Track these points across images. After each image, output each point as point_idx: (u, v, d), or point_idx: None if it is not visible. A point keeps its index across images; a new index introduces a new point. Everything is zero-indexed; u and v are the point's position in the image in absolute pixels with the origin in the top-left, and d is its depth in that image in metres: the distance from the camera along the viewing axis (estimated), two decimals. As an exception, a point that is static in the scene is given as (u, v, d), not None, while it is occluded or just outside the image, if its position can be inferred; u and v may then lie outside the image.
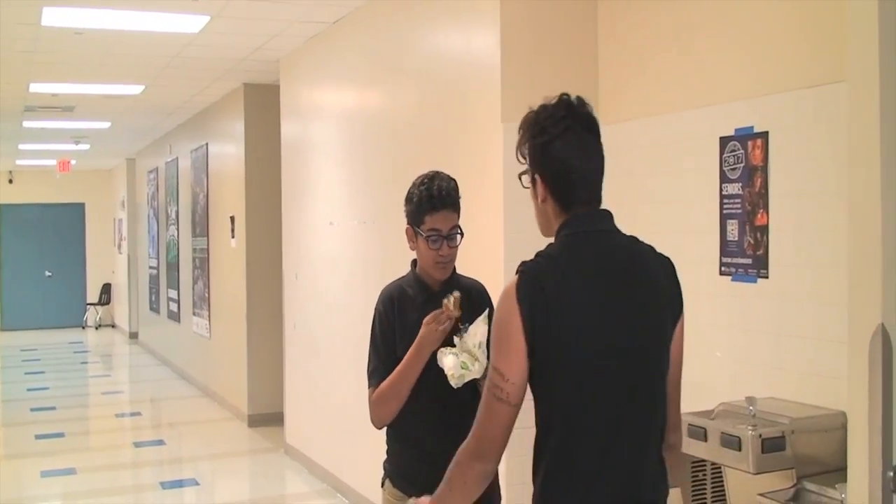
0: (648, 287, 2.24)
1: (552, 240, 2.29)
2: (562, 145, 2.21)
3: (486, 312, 3.02)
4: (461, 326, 3.06)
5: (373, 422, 3.20)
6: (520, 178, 2.33)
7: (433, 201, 3.06)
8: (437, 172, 3.17)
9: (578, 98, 2.26)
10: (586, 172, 2.25)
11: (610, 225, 2.28)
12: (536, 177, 2.27)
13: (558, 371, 2.14)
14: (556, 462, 2.18)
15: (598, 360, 2.15)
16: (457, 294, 3.03)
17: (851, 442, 2.55)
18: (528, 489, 2.29)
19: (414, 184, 3.15)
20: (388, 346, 3.15)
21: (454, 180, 3.16)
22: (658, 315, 2.24)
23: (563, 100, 2.25)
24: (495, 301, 3.33)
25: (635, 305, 2.20)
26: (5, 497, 7.39)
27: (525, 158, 2.30)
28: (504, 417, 2.17)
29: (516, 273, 2.20)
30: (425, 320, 3.02)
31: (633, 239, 2.30)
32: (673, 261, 2.33)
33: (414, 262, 3.23)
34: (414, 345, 3.04)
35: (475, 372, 2.96)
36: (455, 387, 2.97)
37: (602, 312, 2.17)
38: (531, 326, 2.12)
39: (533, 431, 2.23)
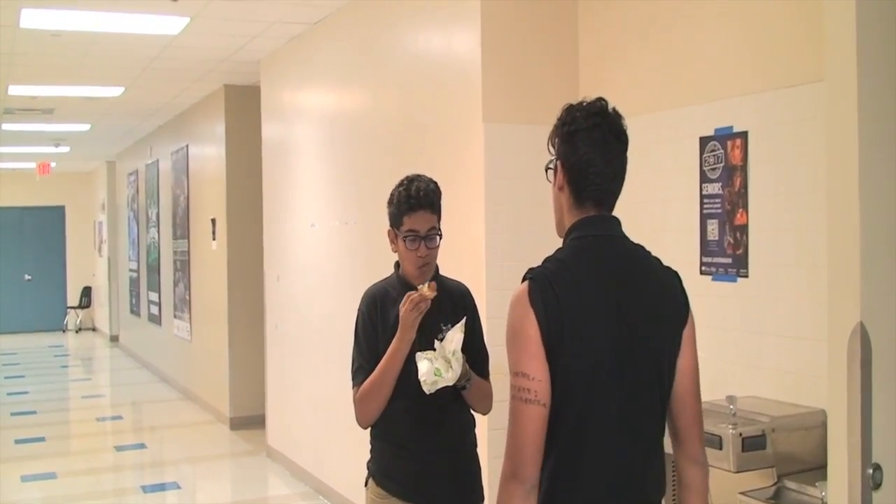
0: (654, 294, 2.25)
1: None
2: (586, 138, 2.23)
3: (462, 321, 3.03)
4: (443, 327, 3.07)
5: (358, 421, 3.22)
6: (546, 171, 2.34)
7: (410, 202, 3.11)
8: (419, 175, 3.21)
9: (615, 109, 2.30)
10: (605, 173, 2.26)
11: (618, 230, 2.30)
12: (558, 163, 2.29)
13: (568, 375, 2.14)
14: (562, 465, 2.17)
15: (607, 365, 2.16)
16: (433, 283, 3.04)
17: (831, 440, 2.56)
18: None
19: (395, 187, 3.20)
20: (370, 345, 3.16)
21: (435, 182, 3.20)
22: (664, 321, 2.25)
23: (599, 102, 2.28)
24: (479, 303, 3.37)
25: (642, 311, 2.21)
26: (-15, 502, 7.35)
27: (554, 149, 2.31)
28: (535, 420, 2.11)
29: (525, 279, 2.19)
30: (401, 306, 3.02)
31: (641, 247, 2.32)
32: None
33: (397, 264, 3.26)
34: (396, 335, 3.04)
35: (448, 379, 2.97)
36: (427, 393, 2.97)
37: (611, 318, 2.17)
38: (547, 330, 2.11)
39: None
